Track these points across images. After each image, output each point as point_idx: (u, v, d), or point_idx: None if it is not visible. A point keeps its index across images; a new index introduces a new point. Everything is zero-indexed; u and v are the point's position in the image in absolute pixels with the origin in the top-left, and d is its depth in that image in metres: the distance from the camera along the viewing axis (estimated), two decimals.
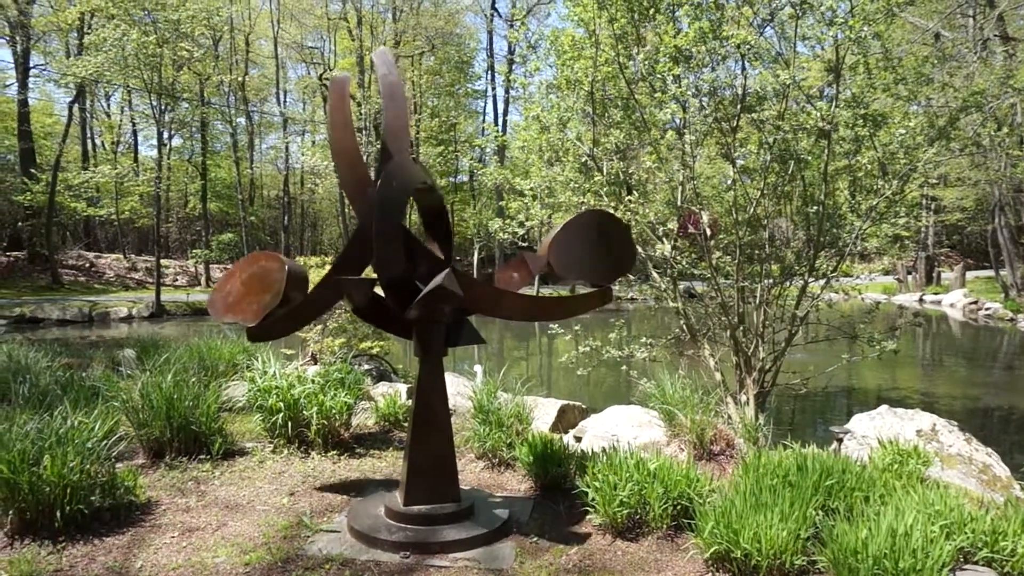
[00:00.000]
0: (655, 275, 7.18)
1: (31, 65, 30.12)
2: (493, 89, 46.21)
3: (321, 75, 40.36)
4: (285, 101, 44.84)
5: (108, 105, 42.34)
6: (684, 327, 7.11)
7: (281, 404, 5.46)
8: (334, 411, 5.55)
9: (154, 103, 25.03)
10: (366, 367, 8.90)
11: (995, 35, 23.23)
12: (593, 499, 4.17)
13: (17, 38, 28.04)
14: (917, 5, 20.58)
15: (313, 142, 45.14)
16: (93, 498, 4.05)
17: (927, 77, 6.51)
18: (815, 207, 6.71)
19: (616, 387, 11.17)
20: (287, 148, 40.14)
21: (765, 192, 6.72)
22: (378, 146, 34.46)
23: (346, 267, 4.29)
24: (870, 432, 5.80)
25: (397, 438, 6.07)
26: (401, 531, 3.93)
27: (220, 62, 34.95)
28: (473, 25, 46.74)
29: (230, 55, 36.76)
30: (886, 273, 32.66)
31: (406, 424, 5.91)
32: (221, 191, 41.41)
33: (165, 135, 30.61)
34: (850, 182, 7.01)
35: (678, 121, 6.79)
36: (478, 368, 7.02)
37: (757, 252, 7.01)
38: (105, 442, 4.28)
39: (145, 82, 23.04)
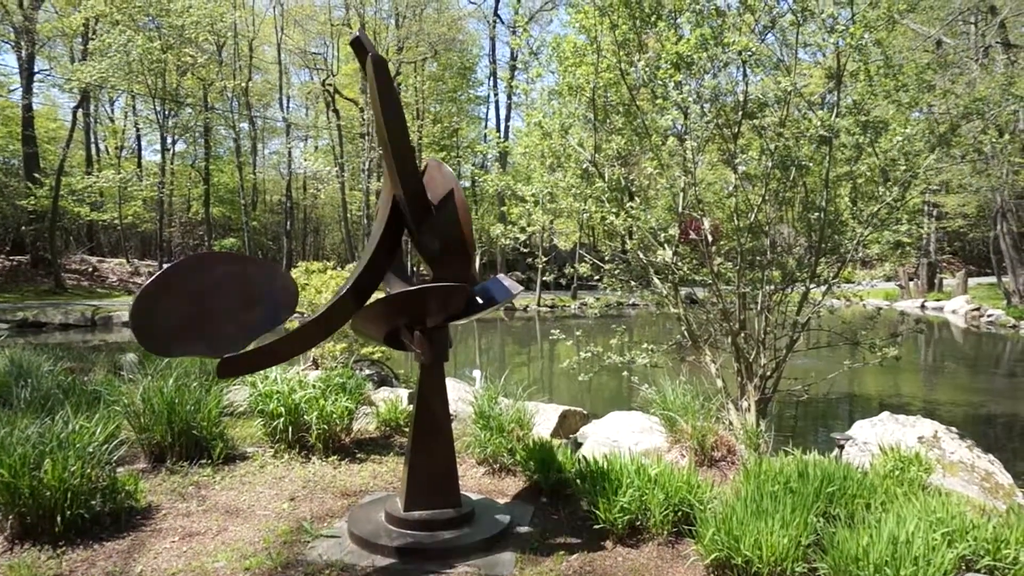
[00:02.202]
0: (656, 281, 7.18)
1: (36, 70, 30.28)
2: (495, 95, 46.40)
3: (324, 80, 40.51)
4: (288, 106, 45.01)
5: (112, 110, 42.53)
6: (685, 333, 7.10)
7: (282, 409, 5.47)
8: (335, 416, 5.56)
9: (158, 108, 25.18)
10: (367, 372, 8.91)
11: (997, 42, 23.27)
12: (594, 505, 4.17)
13: (22, 43, 28.19)
14: (919, 12, 20.61)
15: (316, 147, 45.29)
16: (94, 502, 4.06)
17: (928, 84, 6.51)
18: (816, 213, 6.71)
19: (617, 393, 11.16)
20: (290, 153, 40.24)
21: (766, 198, 6.72)
22: (380, 152, 34.36)
23: (376, 273, 3.95)
24: (871, 439, 5.78)
25: (398, 443, 6.07)
26: (401, 537, 3.93)
27: (224, 67, 35.08)
28: (476, 31, 46.83)
29: (234, 60, 36.88)
30: (888, 279, 32.56)
31: (407, 429, 5.91)
32: (224, 196, 41.51)
33: (168, 140, 30.75)
34: (851, 188, 7.01)
35: (679, 127, 6.79)
36: (477, 373, 7.01)
37: (758, 258, 7.00)
38: (106, 446, 4.29)
39: (149, 87, 23.17)
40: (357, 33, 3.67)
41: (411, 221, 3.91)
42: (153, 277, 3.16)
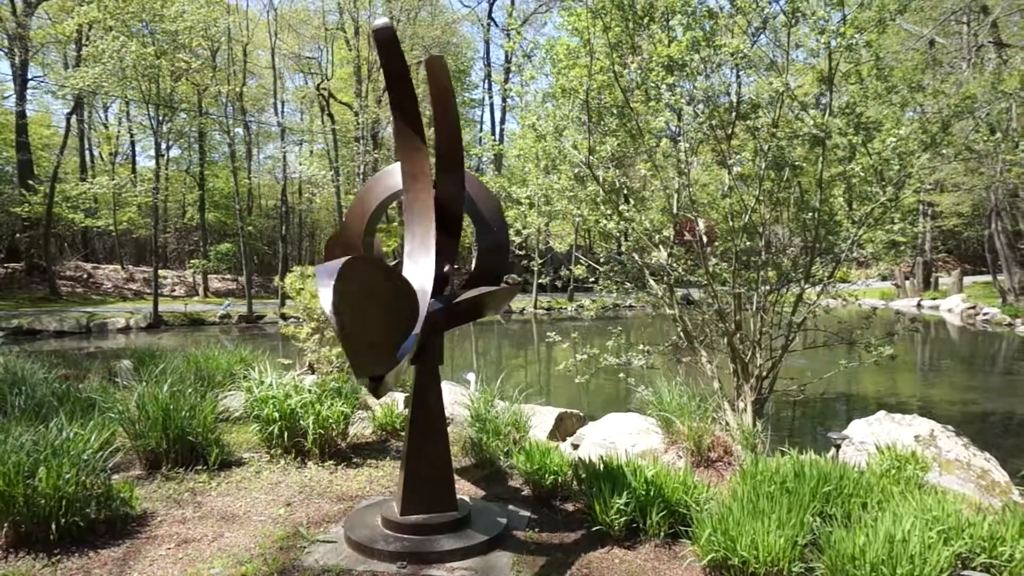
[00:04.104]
0: (652, 282, 7.18)
1: (29, 77, 30.22)
2: (490, 98, 46.38)
3: (318, 85, 40.49)
4: (283, 111, 44.94)
5: (106, 116, 42.37)
6: (681, 334, 7.11)
7: (278, 414, 5.45)
8: (331, 421, 5.54)
9: (152, 114, 25.06)
10: None
11: (989, 41, 23.38)
12: (590, 507, 4.17)
13: (16, 50, 28.11)
14: (912, 12, 20.71)
15: (311, 152, 45.22)
16: (88, 510, 4.04)
17: (918, 85, 6.54)
18: (811, 213, 6.72)
19: (614, 395, 11.16)
20: (285, 158, 40.11)
21: (761, 199, 6.73)
22: (376, 156, 34.14)
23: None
24: (868, 438, 5.79)
25: (394, 447, 6.06)
26: (398, 541, 3.92)
27: (218, 73, 34.98)
28: (470, 34, 46.92)
29: (228, 66, 36.81)
30: (884, 279, 32.69)
31: (403, 433, 5.89)
32: (219, 201, 41.40)
33: (163, 146, 30.65)
34: (845, 188, 7.02)
35: (673, 129, 6.81)
36: (471, 375, 7.01)
37: (753, 259, 7.01)
38: (101, 454, 4.28)
39: (143, 93, 23.08)
40: (384, 22, 3.67)
41: (450, 223, 4.05)
42: (334, 295, 2.62)
